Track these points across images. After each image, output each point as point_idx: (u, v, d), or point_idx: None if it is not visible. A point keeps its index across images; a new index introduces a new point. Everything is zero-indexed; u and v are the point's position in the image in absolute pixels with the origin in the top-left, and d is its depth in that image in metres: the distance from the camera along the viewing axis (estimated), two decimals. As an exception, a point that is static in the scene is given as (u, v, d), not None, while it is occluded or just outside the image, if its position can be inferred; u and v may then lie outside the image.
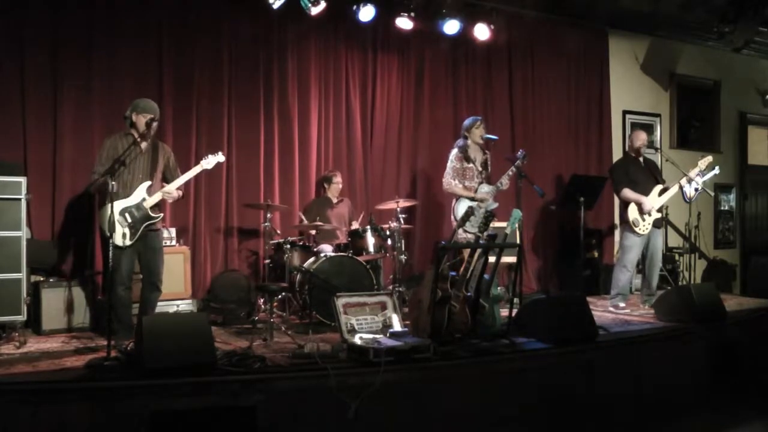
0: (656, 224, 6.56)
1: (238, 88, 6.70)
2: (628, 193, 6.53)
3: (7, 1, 5.68)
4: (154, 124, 4.89)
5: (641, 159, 6.73)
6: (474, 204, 5.83)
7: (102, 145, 4.97)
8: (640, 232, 6.46)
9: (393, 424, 3.90)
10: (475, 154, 6.13)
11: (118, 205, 4.66)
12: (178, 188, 5.07)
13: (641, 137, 6.71)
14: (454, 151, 6.14)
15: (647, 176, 6.66)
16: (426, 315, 4.58)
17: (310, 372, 3.82)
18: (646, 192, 6.53)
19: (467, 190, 6.01)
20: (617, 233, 6.94)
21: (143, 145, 4.94)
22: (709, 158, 6.81)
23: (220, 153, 5.29)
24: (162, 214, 5.02)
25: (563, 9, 8.15)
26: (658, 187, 6.60)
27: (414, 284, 6.31)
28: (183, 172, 5.21)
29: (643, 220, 6.47)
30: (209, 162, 5.21)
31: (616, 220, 7.49)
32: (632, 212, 6.47)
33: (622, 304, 6.57)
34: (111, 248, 4.32)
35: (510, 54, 8.15)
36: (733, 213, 10.08)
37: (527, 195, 6.38)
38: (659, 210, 6.57)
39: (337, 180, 6.77)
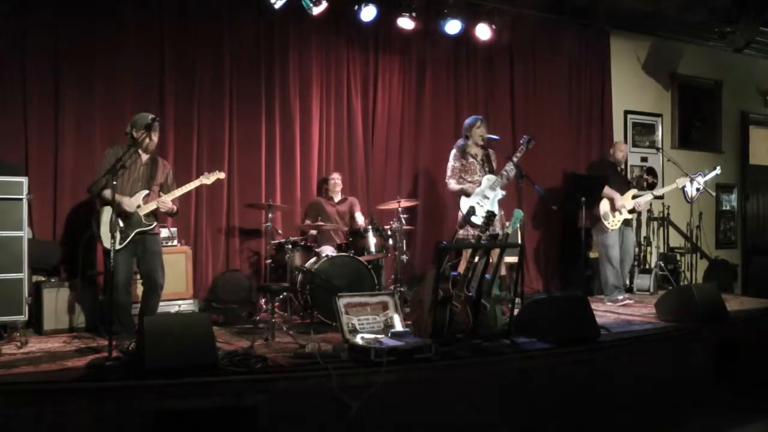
0: (625, 223, 6.99)
1: (239, 88, 6.70)
2: (604, 188, 6.87)
3: (10, 3, 5.68)
4: (156, 124, 4.93)
5: (619, 168, 7.27)
6: (475, 203, 5.86)
7: (104, 155, 5.01)
8: (609, 226, 6.87)
9: (394, 424, 3.90)
10: (476, 151, 6.16)
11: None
12: (173, 200, 5.15)
13: (624, 149, 7.31)
14: (453, 152, 6.17)
15: (622, 181, 7.16)
16: (427, 315, 4.58)
17: (312, 372, 3.81)
18: (620, 193, 6.96)
19: (471, 185, 6.02)
20: (594, 233, 7.04)
21: (144, 157, 5.07)
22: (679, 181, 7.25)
23: (221, 171, 5.45)
24: (155, 223, 5.08)
25: (564, 9, 8.15)
26: (633, 191, 7.06)
27: (415, 284, 6.30)
28: (184, 175, 5.25)
29: (613, 216, 6.88)
30: (209, 177, 5.34)
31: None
32: (604, 206, 6.87)
33: (620, 297, 6.86)
34: (111, 251, 4.33)
35: (511, 54, 8.15)
36: (735, 213, 10.08)
37: (528, 195, 6.39)
38: (630, 212, 6.99)
39: (333, 176, 6.78)
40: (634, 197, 6.98)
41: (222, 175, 5.45)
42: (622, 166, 7.37)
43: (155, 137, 5.09)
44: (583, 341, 4.71)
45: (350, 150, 7.29)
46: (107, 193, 4.70)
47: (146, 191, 5.03)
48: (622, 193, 6.97)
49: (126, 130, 5.09)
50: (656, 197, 7.39)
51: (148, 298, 5.02)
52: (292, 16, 6.74)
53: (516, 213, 5.09)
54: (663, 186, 8.33)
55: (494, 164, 6.25)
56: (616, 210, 6.88)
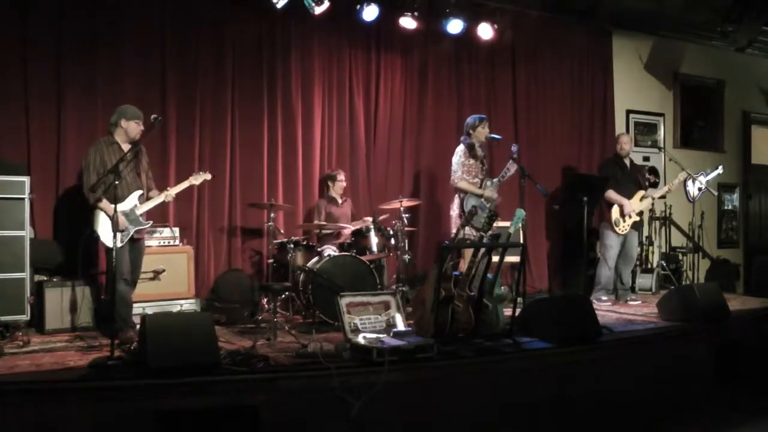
0: (634, 226, 6.98)
1: (241, 88, 6.69)
2: (611, 194, 6.88)
3: (11, 1, 5.68)
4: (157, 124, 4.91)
5: (627, 162, 7.16)
6: (478, 203, 5.86)
7: (87, 157, 4.94)
8: (620, 231, 6.88)
9: (396, 423, 3.90)
10: (477, 151, 6.17)
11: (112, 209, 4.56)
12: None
13: (626, 141, 7.16)
14: (461, 148, 6.16)
15: (632, 180, 7.07)
16: (429, 314, 4.58)
17: (314, 372, 3.82)
18: (628, 195, 6.93)
19: (474, 186, 6.05)
20: (600, 233, 7.05)
21: (127, 147, 4.98)
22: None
23: (207, 172, 5.52)
24: (151, 222, 5.11)
25: (567, 9, 8.14)
26: (641, 193, 7.00)
27: (417, 284, 6.30)
28: (186, 174, 5.24)
29: (624, 221, 6.88)
30: (197, 178, 5.40)
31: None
32: (615, 212, 6.88)
33: (604, 298, 6.96)
34: (114, 250, 4.36)
35: (514, 53, 8.15)
36: (737, 212, 10.07)
37: (530, 195, 6.38)
38: (638, 214, 6.99)
39: (341, 178, 6.75)
40: (643, 198, 6.95)
41: (209, 176, 5.50)
42: (630, 159, 7.21)
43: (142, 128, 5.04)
44: (585, 341, 4.71)
45: (352, 149, 7.28)
46: (106, 206, 4.74)
47: (140, 191, 5.02)
48: (631, 194, 6.91)
49: (111, 120, 5.01)
50: (662, 197, 7.42)
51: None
52: (293, 16, 6.74)
53: (518, 212, 5.09)
54: (665, 184, 8.30)
55: (486, 164, 6.27)
56: (626, 215, 6.84)
